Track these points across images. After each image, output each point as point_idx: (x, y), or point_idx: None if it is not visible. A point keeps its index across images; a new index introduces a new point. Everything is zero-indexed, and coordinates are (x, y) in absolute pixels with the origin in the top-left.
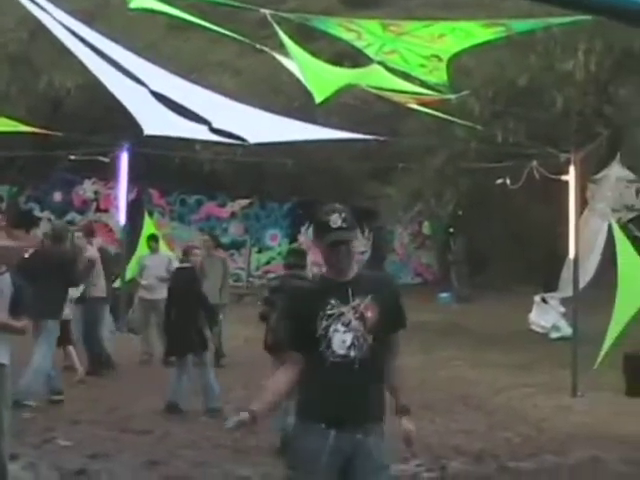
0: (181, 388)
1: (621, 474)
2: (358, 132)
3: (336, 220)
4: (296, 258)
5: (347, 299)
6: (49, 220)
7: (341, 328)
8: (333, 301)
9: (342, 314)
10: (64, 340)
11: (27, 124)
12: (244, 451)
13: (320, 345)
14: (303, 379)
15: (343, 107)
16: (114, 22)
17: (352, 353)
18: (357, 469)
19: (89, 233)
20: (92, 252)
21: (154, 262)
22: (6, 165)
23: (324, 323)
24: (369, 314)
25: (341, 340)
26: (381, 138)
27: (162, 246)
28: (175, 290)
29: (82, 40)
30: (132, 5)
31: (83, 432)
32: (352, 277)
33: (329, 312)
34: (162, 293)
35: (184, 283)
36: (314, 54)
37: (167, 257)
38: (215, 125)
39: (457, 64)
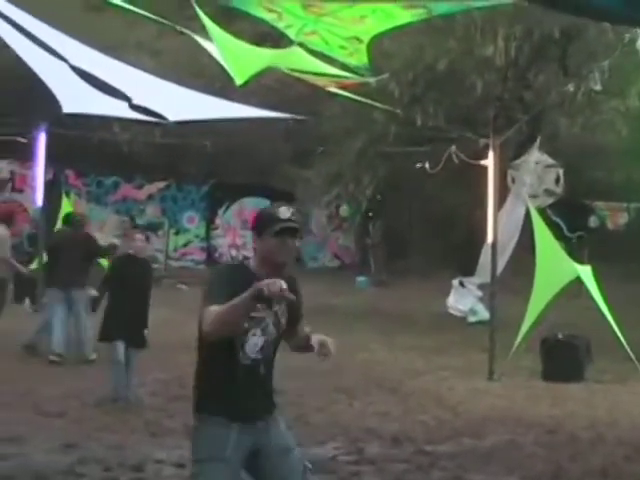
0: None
1: (537, 456)
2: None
3: (285, 212)
4: None
5: (271, 304)
6: None
7: (258, 332)
8: (258, 305)
9: (263, 319)
10: None
11: None
12: (159, 434)
13: (234, 345)
14: (204, 369)
15: (263, 89)
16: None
17: (260, 356)
18: (265, 456)
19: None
20: None
21: None
22: None
23: (245, 325)
24: (283, 320)
25: (254, 344)
26: (300, 117)
27: None
28: (126, 276)
29: None
30: None
31: None
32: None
33: (252, 314)
34: None
35: (136, 270)
36: (236, 35)
37: None
38: (135, 101)
39: (377, 47)
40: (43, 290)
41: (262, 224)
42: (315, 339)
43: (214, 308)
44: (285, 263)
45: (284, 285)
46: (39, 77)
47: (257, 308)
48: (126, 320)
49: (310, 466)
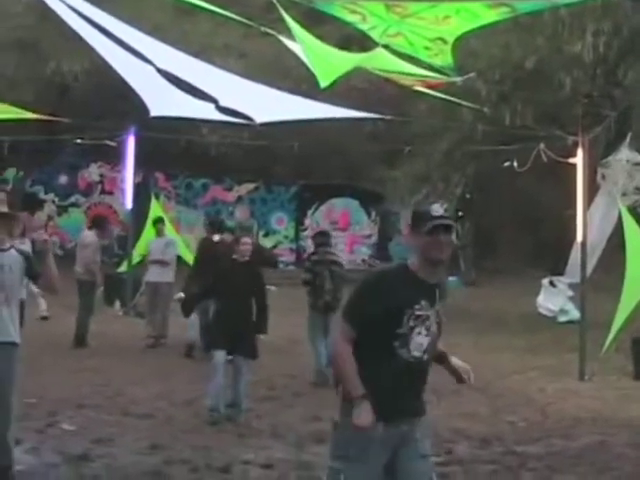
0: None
1: (627, 457)
2: (365, 113)
3: (437, 209)
4: (323, 238)
5: (434, 302)
6: (53, 202)
7: (423, 331)
8: (424, 302)
9: (428, 317)
10: None
11: (34, 110)
12: (247, 435)
13: (397, 341)
14: (366, 367)
15: (350, 90)
16: (121, 6)
17: (425, 357)
18: (402, 458)
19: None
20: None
21: (159, 245)
22: (14, 149)
23: (411, 323)
24: (443, 319)
25: (419, 343)
26: (387, 117)
27: (169, 229)
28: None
29: (89, 21)
30: None
31: (86, 416)
32: (439, 280)
33: (417, 313)
34: (166, 276)
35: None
36: (321, 38)
37: (166, 240)
38: (222, 103)
39: (463, 46)
40: (132, 293)
41: (416, 222)
42: (456, 363)
43: (344, 335)
44: (441, 260)
45: (368, 421)
46: (127, 81)
47: (422, 305)
48: (231, 329)
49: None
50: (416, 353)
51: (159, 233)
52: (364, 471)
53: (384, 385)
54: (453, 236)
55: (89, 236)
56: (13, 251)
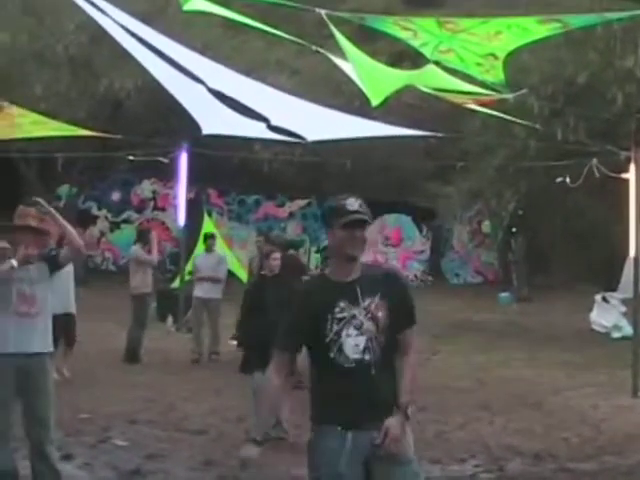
0: None
1: None
2: (417, 130)
3: (353, 203)
4: None
5: (357, 300)
6: (106, 218)
7: (353, 332)
8: (342, 303)
9: (353, 317)
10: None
11: (86, 127)
12: (299, 451)
13: (331, 350)
14: (314, 383)
15: (402, 106)
16: (172, 24)
17: (366, 357)
18: (377, 467)
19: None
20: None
21: (208, 261)
22: (67, 166)
23: (335, 327)
24: (380, 314)
25: (353, 344)
26: (439, 135)
27: (221, 245)
28: (262, 300)
29: (140, 40)
30: (186, 7)
31: (139, 432)
32: (358, 276)
33: (339, 315)
34: (215, 292)
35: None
36: (373, 55)
37: (218, 256)
38: (273, 122)
39: (514, 62)
40: (184, 308)
41: (330, 217)
42: (390, 420)
43: (275, 366)
44: (355, 256)
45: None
46: (178, 100)
47: (341, 307)
48: (265, 348)
49: None
50: (355, 356)
51: (209, 249)
52: None
53: (339, 398)
54: (367, 232)
55: (134, 250)
56: (38, 263)
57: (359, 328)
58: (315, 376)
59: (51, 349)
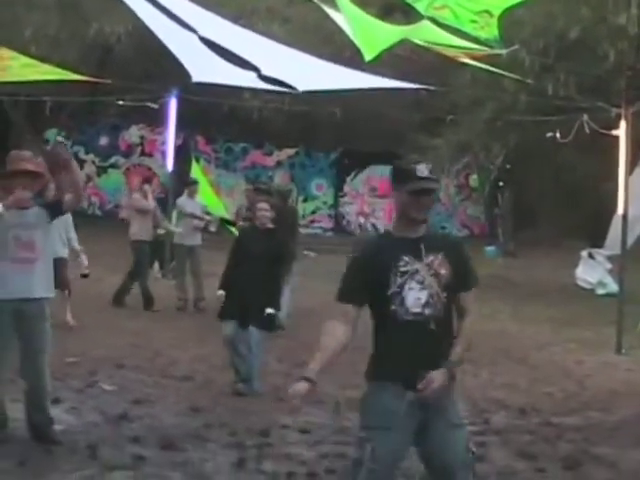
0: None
1: None
2: (408, 83)
3: (423, 170)
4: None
5: (420, 256)
6: (93, 163)
7: (416, 286)
8: (406, 257)
9: (416, 272)
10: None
11: (77, 72)
12: (286, 400)
13: (392, 303)
14: (375, 337)
15: (393, 58)
16: None
17: (427, 311)
18: (432, 428)
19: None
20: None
21: (190, 207)
22: (55, 110)
23: (398, 280)
24: (443, 271)
25: (416, 297)
26: (430, 88)
27: (210, 192)
28: (247, 250)
29: None
30: None
31: (126, 377)
32: (423, 234)
33: (402, 269)
34: (196, 239)
35: (258, 243)
36: (363, 6)
37: (200, 204)
38: (264, 72)
39: (508, 16)
40: (171, 255)
41: (399, 179)
42: (435, 372)
43: (339, 316)
44: (421, 220)
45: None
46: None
47: (405, 261)
48: (243, 298)
49: (475, 450)
50: (415, 309)
51: (191, 194)
52: (391, 440)
53: (397, 351)
54: (434, 197)
55: (134, 198)
56: (36, 208)
57: (422, 282)
58: (375, 331)
59: (52, 294)
